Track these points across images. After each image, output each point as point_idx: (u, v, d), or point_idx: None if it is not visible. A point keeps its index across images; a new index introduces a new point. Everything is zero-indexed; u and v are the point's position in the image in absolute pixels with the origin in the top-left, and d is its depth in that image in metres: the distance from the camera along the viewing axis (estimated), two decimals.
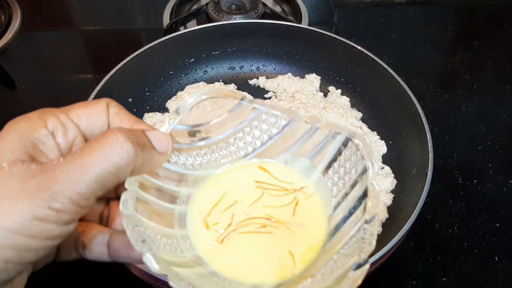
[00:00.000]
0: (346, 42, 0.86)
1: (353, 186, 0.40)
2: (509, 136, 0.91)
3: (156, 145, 0.36)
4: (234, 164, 0.45)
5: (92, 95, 0.74)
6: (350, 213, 0.39)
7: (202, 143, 0.43)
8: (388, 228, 0.71)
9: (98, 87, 0.76)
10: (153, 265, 0.32)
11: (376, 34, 1.12)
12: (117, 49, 1.03)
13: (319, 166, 0.43)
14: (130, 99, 0.85)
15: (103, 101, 0.37)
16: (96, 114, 0.36)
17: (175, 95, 0.90)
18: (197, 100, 0.41)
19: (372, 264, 0.58)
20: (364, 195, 0.38)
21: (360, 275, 0.33)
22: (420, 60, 1.06)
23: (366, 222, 0.36)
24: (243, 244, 0.40)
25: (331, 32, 0.89)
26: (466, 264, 0.72)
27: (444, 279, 0.70)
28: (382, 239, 0.69)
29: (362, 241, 0.35)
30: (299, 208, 0.43)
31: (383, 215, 0.72)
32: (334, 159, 0.42)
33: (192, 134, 0.43)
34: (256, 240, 0.40)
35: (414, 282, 0.70)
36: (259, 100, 0.43)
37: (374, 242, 0.35)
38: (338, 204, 0.41)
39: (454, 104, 0.97)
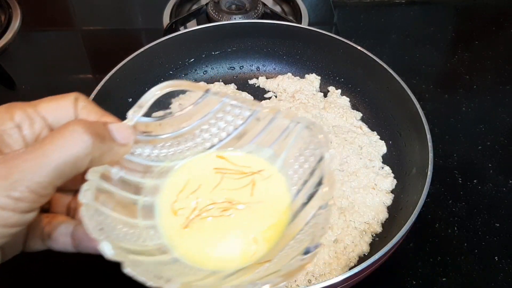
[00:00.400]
0: (346, 42, 0.86)
1: (311, 173, 0.42)
2: (509, 136, 0.91)
3: (117, 137, 0.37)
4: (199, 155, 0.46)
5: (92, 95, 0.74)
6: (308, 200, 0.40)
7: (166, 135, 0.45)
8: (388, 228, 0.71)
9: (98, 87, 0.76)
10: (107, 252, 0.32)
11: (376, 34, 1.12)
12: (117, 49, 1.03)
13: (282, 155, 0.45)
14: (130, 99, 0.85)
15: (72, 95, 0.39)
16: (63, 107, 0.38)
17: (175, 95, 0.89)
18: (158, 94, 0.43)
19: (372, 264, 0.58)
20: (321, 182, 0.39)
21: (308, 260, 0.34)
22: (420, 60, 1.06)
23: (321, 207, 0.37)
24: (206, 229, 0.41)
25: (331, 32, 0.89)
26: (466, 264, 0.72)
27: (444, 279, 0.70)
28: (382, 239, 0.70)
29: (316, 227, 0.36)
30: (258, 188, 0.44)
31: (383, 215, 0.72)
32: (294, 148, 0.44)
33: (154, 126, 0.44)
34: (219, 225, 0.41)
35: (414, 282, 0.70)
36: (223, 92, 0.45)
37: (327, 227, 0.36)
38: (298, 191, 0.43)
39: (454, 104, 0.97)
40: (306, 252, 0.34)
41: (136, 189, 0.42)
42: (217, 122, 0.46)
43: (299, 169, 0.43)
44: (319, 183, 0.40)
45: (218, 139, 0.46)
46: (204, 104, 0.45)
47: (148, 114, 0.43)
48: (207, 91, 0.44)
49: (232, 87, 0.92)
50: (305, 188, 0.41)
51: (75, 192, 0.40)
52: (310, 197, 0.40)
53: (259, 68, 0.95)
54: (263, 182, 0.45)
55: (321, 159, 0.40)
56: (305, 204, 0.40)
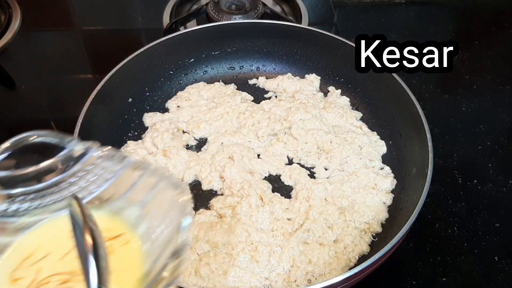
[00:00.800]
0: (346, 42, 0.86)
1: (169, 242, 0.39)
2: (509, 136, 0.91)
3: None
4: (61, 212, 0.43)
5: (92, 95, 0.74)
6: (161, 271, 0.38)
7: (21, 189, 0.41)
8: (388, 228, 0.71)
9: (98, 87, 0.76)
10: None
11: (376, 34, 1.12)
12: (117, 49, 1.03)
13: (149, 215, 0.42)
14: (130, 99, 0.85)
15: None
16: None
17: (175, 95, 0.90)
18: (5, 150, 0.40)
19: (372, 264, 0.58)
20: (176, 253, 0.37)
21: None
22: None
23: (168, 284, 0.36)
24: None
25: (331, 32, 0.89)
26: (466, 264, 0.72)
27: (444, 279, 0.70)
28: (382, 239, 0.70)
29: None
30: (112, 256, 0.40)
31: (383, 215, 0.72)
32: (160, 208, 0.41)
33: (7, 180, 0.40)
34: None
35: (414, 282, 0.70)
36: (91, 142, 0.42)
37: None
38: (155, 261, 0.39)
39: (454, 104, 0.97)
40: None
41: None
42: (85, 175, 0.43)
43: (161, 235, 0.41)
44: (174, 254, 0.37)
45: (87, 192, 0.43)
46: (69, 156, 0.42)
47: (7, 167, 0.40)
48: (71, 141, 0.41)
49: (232, 87, 0.92)
50: (162, 258, 0.39)
51: None
52: (163, 269, 0.37)
53: (259, 68, 0.95)
54: (120, 248, 0.41)
55: (180, 226, 0.38)
56: (157, 277, 0.38)
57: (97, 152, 0.42)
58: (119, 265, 0.39)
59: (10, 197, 0.41)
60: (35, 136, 0.41)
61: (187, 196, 0.40)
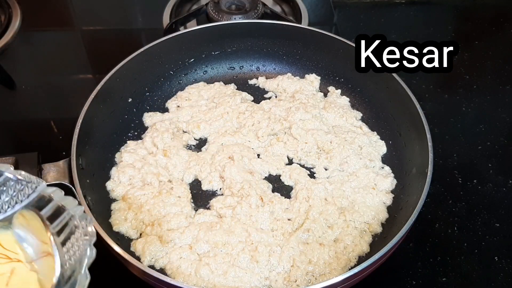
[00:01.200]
0: (346, 42, 0.86)
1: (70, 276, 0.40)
2: (509, 136, 0.91)
3: None
4: None
5: (92, 95, 0.74)
6: None
7: None
8: (388, 228, 0.71)
9: (98, 87, 0.76)
10: None
11: (376, 34, 1.12)
12: (117, 49, 1.03)
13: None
14: (130, 99, 0.85)
15: None
16: None
17: (175, 95, 0.90)
18: None
19: (372, 264, 0.58)
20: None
21: None
22: None
23: None
24: None
25: (331, 32, 0.89)
26: (466, 264, 0.72)
27: (444, 279, 0.70)
28: (382, 239, 0.70)
29: None
30: (14, 280, 0.42)
31: (383, 215, 0.72)
32: (68, 238, 0.42)
33: None
34: None
35: (414, 282, 0.70)
36: (5, 165, 0.45)
37: None
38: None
39: (454, 104, 0.97)
40: None
41: None
42: None
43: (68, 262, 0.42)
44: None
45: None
46: None
47: None
48: None
49: (232, 87, 0.92)
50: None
51: None
52: None
53: (259, 68, 0.95)
54: (26, 273, 0.43)
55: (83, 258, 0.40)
56: None
57: (11, 174, 0.45)
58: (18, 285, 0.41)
59: None
60: None
61: (92, 231, 0.42)
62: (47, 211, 0.43)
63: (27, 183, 0.44)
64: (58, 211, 0.43)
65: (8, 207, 0.45)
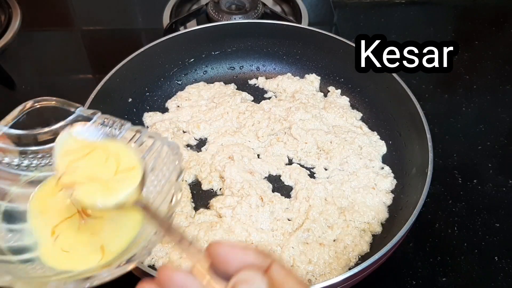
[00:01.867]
0: (346, 42, 0.86)
1: (164, 192, 0.44)
2: (509, 136, 0.91)
3: None
4: None
5: (92, 95, 0.74)
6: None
7: (37, 147, 0.48)
8: (388, 228, 0.71)
9: (98, 87, 0.76)
10: None
11: (376, 34, 1.12)
12: (117, 49, 1.03)
13: (148, 169, 0.46)
14: (130, 99, 0.85)
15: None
16: None
17: (175, 95, 0.90)
18: (23, 110, 0.48)
19: (372, 264, 0.58)
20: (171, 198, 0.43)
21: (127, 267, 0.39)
22: None
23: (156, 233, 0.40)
24: (67, 235, 0.45)
25: (331, 32, 0.89)
26: (466, 264, 0.72)
27: (444, 279, 0.70)
28: (382, 239, 0.70)
29: (143, 249, 0.40)
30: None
31: (383, 215, 0.72)
32: (155, 164, 0.46)
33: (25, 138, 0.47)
34: (79, 232, 0.45)
35: (414, 282, 0.70)
36: (94, 110, 0.49)
37: (150, 250, 0.40)
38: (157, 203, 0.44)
39: (454, 104, 0.97)
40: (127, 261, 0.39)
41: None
42: None
43: (158, 188, 0.46)
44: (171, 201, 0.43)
45: None
46: (75, 121, 0.48)
47: (24, 127, 0.47)
48: (78, 108, 0.48)
49: (232, 87, 0.92)
50: (160, 204, 0.44)
51: None
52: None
53: (259, 68, 0.95)
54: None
55: (177, 176, 0.44)
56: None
57: (100, 119, 0.48)
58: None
59: (23, 154, 0.47)
60: (46, 102, 0.48)
61: (180, 153, 0.45)
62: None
63: (114, 125, 0.48)
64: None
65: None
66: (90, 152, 0.46)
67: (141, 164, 0.45)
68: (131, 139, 0.48)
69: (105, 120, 0.48)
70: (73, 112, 0.48)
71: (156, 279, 0.34)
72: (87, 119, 0.48)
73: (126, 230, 0.44)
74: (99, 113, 0.48)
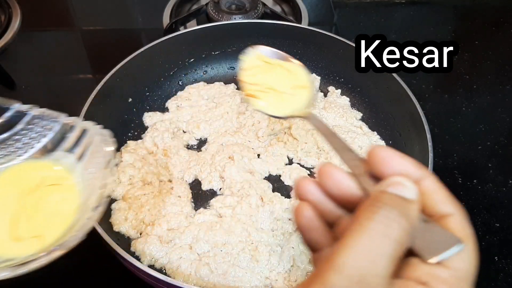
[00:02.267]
0: (346, 42, 0.86)
1: (97, 178, 0.49)
2: (509, 136, 0.91)
3: None
4: (10, 163, 0.52)
5: (92, 95, 0.74)
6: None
7: None
8: None
9: (98, 87, 0.76)
10: None
11: (376, 34, 1.12)
12: (117, 49, 1.03)
13: (81, 159, 0.52)
14: (130, 99, 0.85)
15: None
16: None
17: (175, 95, 0.90)
18: None
19: None
20: (104, 185, 0.47)
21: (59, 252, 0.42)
22: None
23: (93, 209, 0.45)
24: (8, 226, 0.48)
25: (331, 32, 0.89)
26: None
27: None
28: None
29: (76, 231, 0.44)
30: (51, 198, 0.50)
31: None
32: (88, 153, 0.51)
33: None
34: (21, 223, 0.48)
35: None
36: (29, 106, 0.52)
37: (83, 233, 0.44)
38: (90, 191, 0.48)
39: (454, 104, 0.97)
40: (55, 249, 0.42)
41: None
42: (27, 133, 0.52)
43: (91, 174, 0.50)
44: (102, 187, 0.47)
45: (30, 147, 0.52)
46: (13, 117, 0.51)
47: None
48: (14, 104, 0.51)
49: (232, 87, 0.92)
50: (93, 190, 0.48)
51: None
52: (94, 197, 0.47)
53: None
54: (63, 187, 0.51)
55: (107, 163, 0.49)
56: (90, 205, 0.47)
57: (36, 112, 0.52)
58: (62, 199, 0.50)
59: None
60: None
61: (110, 139, 0.51)
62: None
63: (50, 118, 0.52)
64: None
65: (38, 142, 0.53)
66: (271, 68, 0.54)
67: (313, 85, 0.50)
68: (68, 130, 0.53)
69: (42, 113, 0.52)
70: (10, 109, 0.51)
71: (314, 180, 0.37)
72: (24, 114, 0.52)
73: (63, 218, 0.48)
74: (37, 107, 0.52)
